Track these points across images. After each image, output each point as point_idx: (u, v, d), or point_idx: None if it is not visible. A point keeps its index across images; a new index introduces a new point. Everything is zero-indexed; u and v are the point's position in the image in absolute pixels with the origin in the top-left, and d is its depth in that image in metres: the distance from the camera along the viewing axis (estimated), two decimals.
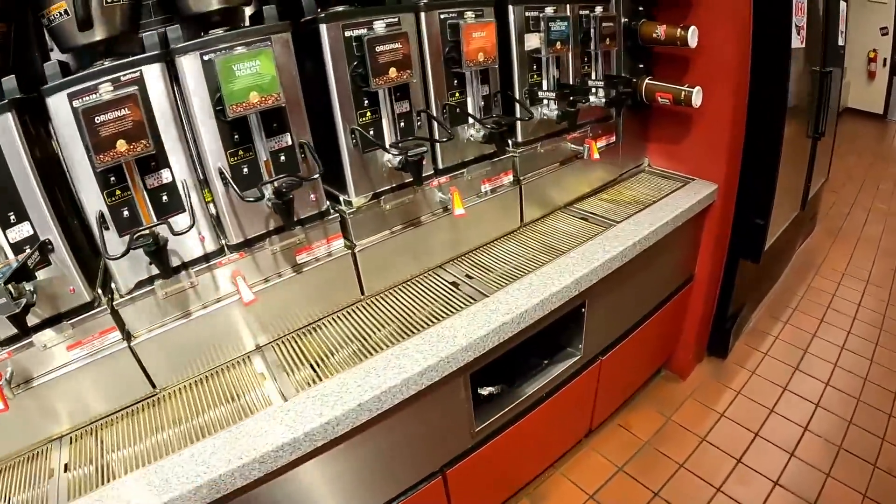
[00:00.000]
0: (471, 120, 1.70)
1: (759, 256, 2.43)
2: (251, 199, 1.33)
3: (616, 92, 1.96)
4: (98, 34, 1.26)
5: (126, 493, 1.15)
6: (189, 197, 1.33)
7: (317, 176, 1.43)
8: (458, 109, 1.65)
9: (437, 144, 1.66)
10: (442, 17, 1.57)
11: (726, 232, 2.36)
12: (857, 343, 2.86)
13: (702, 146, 2.23)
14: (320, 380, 1.39)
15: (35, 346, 1.26)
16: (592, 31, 1.90)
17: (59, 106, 1.16)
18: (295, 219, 1.42)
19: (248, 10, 1.66)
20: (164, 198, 1.31)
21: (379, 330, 1.55)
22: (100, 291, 1.35)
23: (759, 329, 3.03)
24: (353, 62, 1.44)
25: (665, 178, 2.32)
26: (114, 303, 1.33)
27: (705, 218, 2.27)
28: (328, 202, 1.56)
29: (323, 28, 1.40)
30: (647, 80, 2.12)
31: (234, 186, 1.32)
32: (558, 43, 1.76)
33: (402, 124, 1.57)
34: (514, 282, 1.67)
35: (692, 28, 1.94)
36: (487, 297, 1.62)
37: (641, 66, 2.18)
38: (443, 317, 1.56)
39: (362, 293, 1.67)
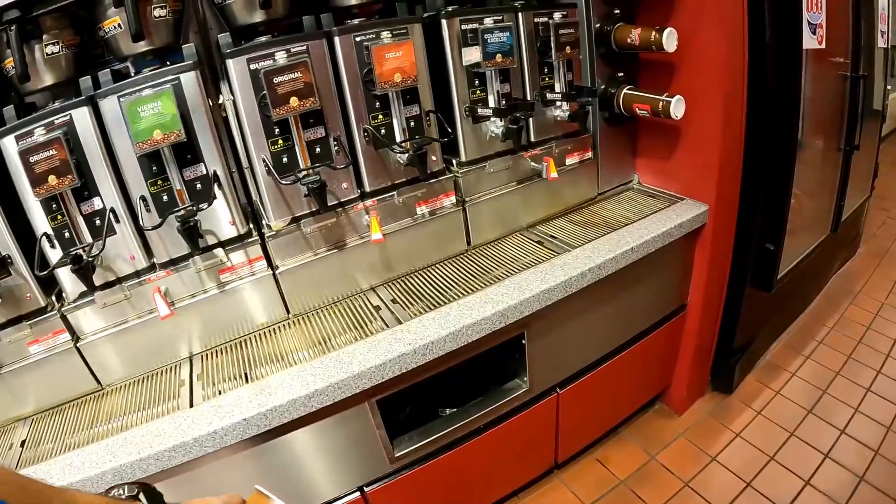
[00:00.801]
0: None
1: (770, 286, 2.38)
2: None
3: (578, 105, 2.03)
4: (260, 15, 1.71)
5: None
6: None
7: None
8: (382, 131, 1.84)
9: (364, 167, 1.87)
10: (357, 39, 1.77)
11: (724, 257, 2.37)
12: (888, 385, 2.73)
13: (691, 162, 2.26)
14: (219, 393, 1.68)
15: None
16: (552, 39, 1.99)
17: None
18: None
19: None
20: (318, 149, 1.78)
21: (295, 353, 1.81)
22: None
23: (775, 363, 2.97)
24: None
25: (652, 196, 2.37)
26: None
27: (696, 242, 2.30)
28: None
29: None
30: (625, 90, 2.17)
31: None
32: (499, 55, 1.89)
33: (317, 150, 1.79)
34: (433, 310, 1.85)
35: (668, 30, 1.98)
36: (401, 324, 1.82)
37: (621, 74, 2.24)
38: (353, 341, 1.79)
39: (287, 312, 1.94)
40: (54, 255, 1.68)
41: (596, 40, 2.17)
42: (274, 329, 1.92)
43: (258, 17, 1.74)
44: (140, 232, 1.73)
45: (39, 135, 1.56)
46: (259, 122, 1.70)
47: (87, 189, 1.67)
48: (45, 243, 1.65)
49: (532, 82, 2.05)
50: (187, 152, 1.69)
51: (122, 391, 1.79)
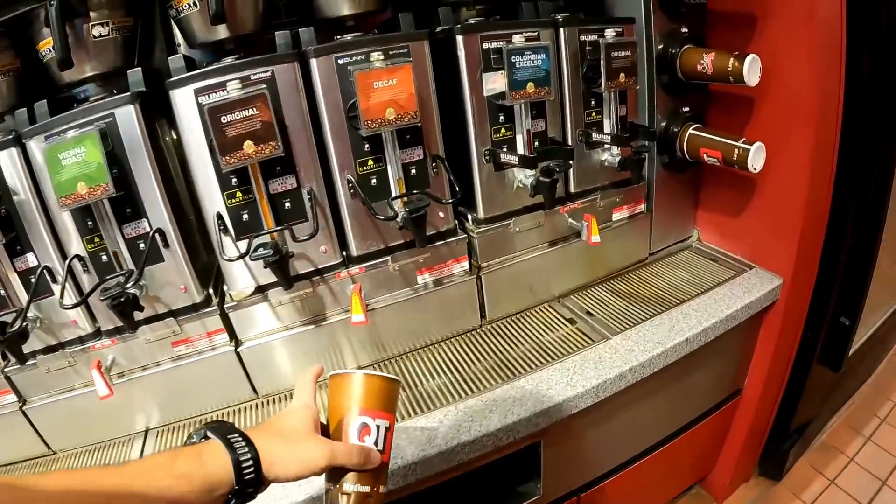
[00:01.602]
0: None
1: (840, 364, 1.73)
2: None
3: (633, 149, 1.38)
4: (224, 31, 1.19)
5: None
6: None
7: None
8: (372, 181, 1.26)
9: (349, 226, 1.30)
10: (339, 62, 1.19)
11: (792, 335, 1.66)
12: None
13: (765, 222, 1.56)
14: None
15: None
16: (602, 63, 1.34)
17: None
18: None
19: None
20: (287, 205, 1.22)
21: None
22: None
23: (832, 444, 2.23)
24: None
25: (714, 261, 1.67)
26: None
27: (763, 320, 1.60)
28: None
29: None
30: (691, 130, 1.50)
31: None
32: (530, 85, 1.27)
33: (287, 205, 1.24)
34: (423, 413, 1.26)
35: (750, 58, 1.31)
36: None
37: (686, 109, 1.53)
38: None
39: (255, 393, 1.41)
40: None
41: (657, 66, 1.50)
42: (240, 409, 1.40)
43: (221, 32, 1.20)
44: (82, 293, 1.26)
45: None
46: (211, 170, 1.17)
47: (18, 244, 1.21)
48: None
49: (574, 118, 1.40)
50: (126, 206, 1.19)
51: (75, 458, 1.38)
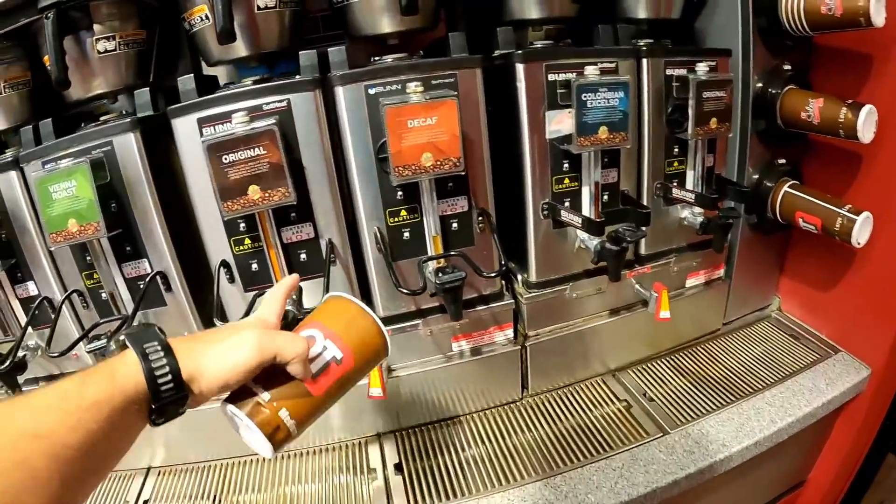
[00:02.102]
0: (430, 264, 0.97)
1: None
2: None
3: (719, 213, 1.03)
4: (243, 49, 0.94)
5: None
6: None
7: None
8: (404, 234, 0.97)
9: (375, 284, 1.01)
10: (370, 91, 0.90)
11: (872, 428, 1.26)
12: None
13: (859, 303, 1.19)
14: None
15: None
16: (690, 103, 1.00)
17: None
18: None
19: None
20: (303, 256, 0.97)
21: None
22: None
23: None
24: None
25: (794, 338, 1.28)
26: None
27: (841, 411, 1.22)
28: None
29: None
30: (786, 188, 1.13)
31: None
32: (603, 129, 0.94)
33: (302, 256, 0.97)
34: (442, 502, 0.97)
35: (866, 110, 0.97)
36: None
37: (782, 161, 1.16)
38: None
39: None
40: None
41: (753, 108, 1.14)
42: (245, 461, 1.14)
43: (240, 50, 0.93)
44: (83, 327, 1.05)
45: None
46: (216, 213, 0.91)
47: (19, 271, 1.01)
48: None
49: (653, 167, 1.06)
50: (125, 244, 0.96)
51: None
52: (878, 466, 1.40)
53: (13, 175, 0.95)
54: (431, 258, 0.93)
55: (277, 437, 0.55)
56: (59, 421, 0.44)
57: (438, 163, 0.87)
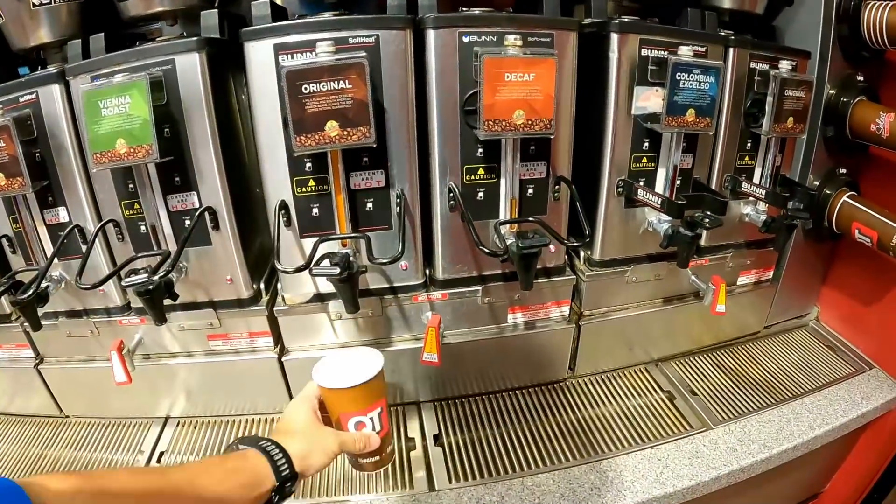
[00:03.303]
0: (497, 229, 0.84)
1: None
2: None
3: (784, 212, 0.94)
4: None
5: None
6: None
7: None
8: (479, 195, 0.84)
9: (439, 244, 0.89)
10: (465, 39, 0.77)
11: (893, 448, 1.17)
12: None
13: None
14: None
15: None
16: (769, 99, 0.90)
17: (260, 58, 0.75)
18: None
19: None
20: (369, 206, 0.83)
21: None
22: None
23: None
24: None
25: (831, 349, 1.20)
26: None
27: (868, 426, 1.13)
28: None
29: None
30: (845, 198, 1.05)
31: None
32: (691, 112, 0.83)
33: (368, 206, 0.84)
34: (485, 479, 0.87)
35: None
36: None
37: (843, 171, 1.08)
38: None
39: None
40: (15, 261, 0.92)
41: (824, 115, 1.05)
42: (272, 419, 1.03)
43: None
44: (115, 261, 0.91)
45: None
46: (281, 149, 0.79)
47: (51, 194, 0.86)
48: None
49: (724, 159, 0.96)
50: (174, 173, 0.82)
51: (87, 428, 1.07)
52: (892, 486, 1.33)
53: (55, 89, 0.80)
54: (509, 221, 0.81)
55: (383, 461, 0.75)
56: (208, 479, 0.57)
57: (530, 122, 0.75)
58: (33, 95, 0.81)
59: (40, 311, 0.88)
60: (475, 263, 0.89)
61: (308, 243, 0.81)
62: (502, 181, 0.82)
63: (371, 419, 0.72)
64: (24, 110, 0.82)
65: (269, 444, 0.63)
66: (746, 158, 0.98)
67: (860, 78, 1.05)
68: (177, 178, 0.82)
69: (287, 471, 0.62)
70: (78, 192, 0.86)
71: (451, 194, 0.82)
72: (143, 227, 0.86)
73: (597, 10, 0.88)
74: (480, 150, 0.81)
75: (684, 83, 0.83)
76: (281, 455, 0.62)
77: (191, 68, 0.77)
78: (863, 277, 1.16)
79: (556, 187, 0.85)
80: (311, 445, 0.66)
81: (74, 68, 0.80)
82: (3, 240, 0.92)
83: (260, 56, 0.75)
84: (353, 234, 0.79)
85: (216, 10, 0.81)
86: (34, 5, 0.86)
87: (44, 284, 0.86)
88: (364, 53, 0.72)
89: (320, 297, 0.91)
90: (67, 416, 1.09)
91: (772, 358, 1.14)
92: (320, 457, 0.66)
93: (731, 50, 0.92)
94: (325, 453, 0.67)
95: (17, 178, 0.80)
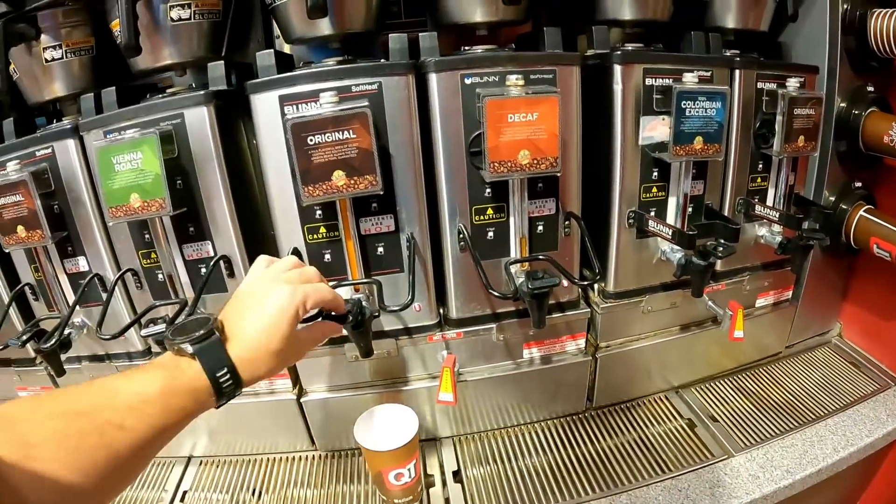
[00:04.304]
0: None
1: None
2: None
3: (800, 234, 0.92)
4: (328, 27, 0.80)
5: None
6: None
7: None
8: (488, 234, 0.84)
9: (451, 283, 0.88)
10: (467, 81, 0.77)
11: None
12: None
13: None
14: None
15: None
16: (779, 119, 0.89)
17: (266, 109, 0.76)
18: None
19: None
20: (381, 250, 0.83)
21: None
22: None
23: None
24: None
25: (854, 366, 1.16)
26: None
27: (893, 446, 1.09)
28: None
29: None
30: (862, 212, 1.02)
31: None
32: (699, 139, 0.82)
33: (379, 250, 0.84)
34: None
35: None
36: None
37: (859, 185, 1.06)
38: None
39: (313, 444, 1.03)
40: (38, 308, 0.94)
41: (836, 130, 1.02)
42: (295, 457, 1.02)
43: (324, 27, 0.80)
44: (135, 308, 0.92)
45: (12, 170, 0.80)
46: (291, 198, 0.79)
47: (70, 244, 0.88)
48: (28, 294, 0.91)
49: (736, 182, 0.94)
50: (189, 223, 0.83)
51: None
52: None
53: (70, 143, 0.82)
54: (519, 261, 0.81)
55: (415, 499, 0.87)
56: (138, 419, 0.48)
57: (535, 161, 0.74)
58: (49, 150, 0.83)
59: (63, 357, 0.90)
60: (488, 302, 0.88)
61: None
62: (511, 220, 0.81)
63: (408, 470, 0.83)
64: (42, 164, 0.84)
65: (218, 356, 0.54)
66: (759, 180, 0.96)
67: (870, 88, 1.03)
68: (191, 229, 0.83)
69: (230, 389, 0.54)
70: (96, 243, 0.87)
71: (461, 235, 0.81)
72: (160, 276, 0.87)
73: (599, 42, 0.87)
74: (488, 190, 0.80)
75: (690, 111, 0.81)
76: (229, 378, 0.53)
77: (199, 121, 0.78)
78: (885, 291, 1.12)
79: (567, 223, 0.84)
80: (272, 355, 0.56)
81: (87, 123, 0.81)
82: (27, 288, 0.94)
83: (266, 107, 0.75)
84: (364, 280, 0.79)
85: (222, 61, 0.82)
86: (46, 61, 0.88)
87: (66, 331, 0.88)
88: (366, 102, 0.72)
89: (335, 340, 0.91)
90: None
91: (794, 379, 1.11)
92: (277, 364, 0.58)
93: (737, 72, 0.91)
94: (285, 361, 0.59)
95: (36, 230, 0.81)
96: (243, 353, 0.55)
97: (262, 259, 0.66)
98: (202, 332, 0.54)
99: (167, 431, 0.51)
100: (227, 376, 0.54)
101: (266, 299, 0.58)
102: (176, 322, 0.62)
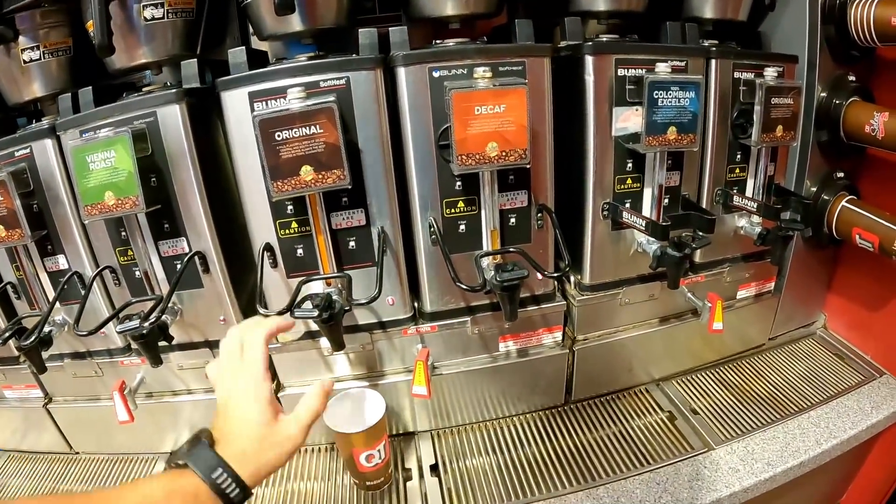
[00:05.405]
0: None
1: None
2: (465, 287, 0.78)
3: (779, 224, 0.92)
4: (298, 23, 0.81)
5: None
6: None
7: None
8: (460, 227, 0.85)
9: (425, 277, 0.89)
10: (435, 74, 0.78)
11: None
12: None
13: None
14: None
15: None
16: (756, 108, 0.88)
17: (235, 106, 0.77)
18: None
19: None
20: (352, 244, 0.84)
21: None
22: None
23: None
24: None
25: (838, 357, 1.16)
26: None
27: (881, 434, 1.08)
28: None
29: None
30: (844, 203, 1.02)
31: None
32: (672, 129, 0.82)
33: (351, 244, 0.85)
34: None
35: None
36: None
37: (840, 175, 1.05)
38: None
39: None
40: (20, 306, 0.96)
41: (816, 119, 1.02)
42: None
43: (295, 24, 0.81)
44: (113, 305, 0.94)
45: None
46: (263, 194, 0.80)
47: (50, 243, 0.89)
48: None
49: (714, 173, 0.94)
50: (163, 221, 0.84)
51: (96, 464, 1.10)
52: None
53: (48, 143, 0.83)
54: (489, 253, 0.81)
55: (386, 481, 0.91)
56: None
57: (504, 153, 0.75)
58: (27, 150, 0.84)
59: (46, 354, 0.91)
60: (462, 295, 0.89)
61: (295, 283, 0.83)
62: (483, 212, 0.82)
63: (378, 451, 0.86)
64: (20, 164, 0.85)
65: (223, 476, 0.55)
66: (737, 170, 0.96)
67: (851, 78, 1.03)
68: (166, 226, 0.84)
69: (235, 492, 0.55)
70: (75, 241, 0.88)
71: (432, 229, 0.82)
72: (136, 273, 0.88)
73: (571, 33, 0.87)
74: (458, 183, 0.81)
75: (662, 101, 0.81)
76: (227, 477, 0.55)
77: (172, 119, 0.79)
78: (870, 281, 1.12)
79: (539, 215, 0.85)
80: (263, 442, 0.58)
81: (64, 123, 0.83)
82: (8, 287, 0.96)
83: (236, 104, 0.76)
84: (335, 275, 0.80)
85: (195, 59, 0.83)
86: (25, 62, 0.90)
87: (47, 329, 0.89)
88: (333, 98, 0.73)
89: (311, 335, 0.92)
90: (77, 453, 1.11)
91: (777, 371, 1.11)
92: (276, 455, 0.59)
93: (713, 61, 0.91)
94: (283, 450, 0.60)
95: (16, 229, 0.83)
96: (235, 450, 0.57)
97: (221, 350, 0.67)
98: (191, 440, 0.58)
99: None
100: (225, 476, 0.55)
101: (237, 385, 0.61)
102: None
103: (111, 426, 0.99)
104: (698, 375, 1.10)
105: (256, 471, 0.57)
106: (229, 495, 0.55)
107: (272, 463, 0.59)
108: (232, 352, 0.65)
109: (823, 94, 1.02)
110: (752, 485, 0.90)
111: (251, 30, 0.98)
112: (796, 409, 1.02)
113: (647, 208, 0.90)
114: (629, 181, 0.88)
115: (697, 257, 0.99)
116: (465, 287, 0.75)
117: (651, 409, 1.03)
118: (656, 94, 0.81)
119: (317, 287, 0.82)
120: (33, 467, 1.11)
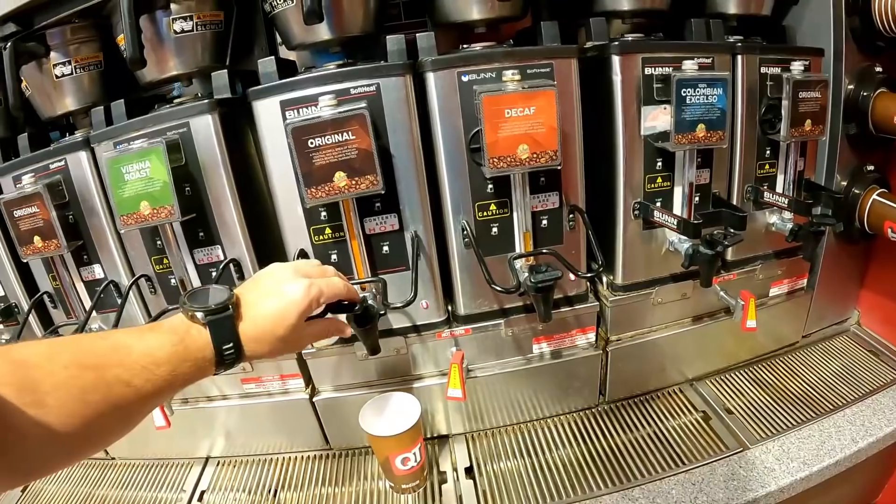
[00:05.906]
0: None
1: None
2: (500, 289, 0.78)
3: (810, 220, 0.91)
4: (326, 31, 0.83)
5: None
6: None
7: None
8: (492, 230, 0.85)
9: (458, 280, 0.90)
10: (464, 79, 0.78)
11: None
12: None
13: None
14: None
15: None
16: (784, 103, 0.88)
17: (268, 115, 0.79)
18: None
19: None
20: (385, 248, 0.85)
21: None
22: None
23: None
24: None
25: (873, 354, 1.14)
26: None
27: None
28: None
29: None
30: (875, 196, 1.01)
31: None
32: (702, 126, 0.82)
33: (385, 248, 0.86)
34: None
35: None
36: None
37: (871, 168, 1.04)
38: None
39: (327, 443, 1.05)
40: (57, 315, 0.98)
41: (844, 112, 1.01)
42: (309, 456, 1.04)
43: (323, 32, 0.82)
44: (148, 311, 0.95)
45: (27, 183, 0.84)
46: (296, 200, 0.81)
47: (85, 253, 0.91)
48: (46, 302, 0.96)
49: (744, 170, 0.93)
50: (198, 229, 0.85)
51: (132, 470, 1.10)
52: None
53: (83, 155, 0.86)
54: (522, 255, 0.82)
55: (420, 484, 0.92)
56: (145, 379, 0.50)
57: (535, 155, 0.75)
58: (62, 162, 0.87)
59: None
60: (496, 297, 0.89)
61: None
62: (515, 215, 0.82)
63: (414, 454, 0.87)
64: (55, 176, 0.87)
65: (227, 331, 0.56)
66: (767, 166, 0.95)
67: (878, 69, 1.01)
68: (201, 234, 0.86)
69: (231, 356, 0.56)
70: (111, 250, 0.90)
71: (465, 232, 0.82)
72: (172, 281, 0.90)
73: (597, 33, 0.87)
74: (490, 186, 0.81)
75: (690, 99, 0.81)
76: (234, 352, 0.56)
77: (205, 129, 0.80)
78: None
79: (571, 216, 0.85)
80: (273, 334, 0.59)
81: (98, 135, 0.85)
82: (45, 296, 0.98)
83: (268, 113, 0.78)
84: (371, 279, 0.81)
85: (225, 70, 0.85)
86: (57, 77, 0.92)
87: None
88: (364, 104, 0.74)
89: (345, 340, 0.92)
90: (113, 458, 1.13)
91: (812, 368, 1.09)
92: (275, 347, 0.60)
93: (739, 57, 0.90)
94: (283, 345, 0.61)
95: (52, 240, 0.85)
96: (251, 333, 0.58)
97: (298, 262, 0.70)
98: (218, 304, 0.57)
99: (168, 392, 0.54)
100: (232, 350, 0.57)
101: (283, 286, 0.61)
102: (193, 288, 0.64)
103: (147, 432, 1.01)
104: (732, 374, 1.09)
105: (256, 353, 0.59)
106: (224, 361, 0.57)
107: (272, 353, 0.61)
108: (308, 264, 0.69)
109: (851, 87, 1.01)
110: (787, 484, 0.89)
111: (279, 40, 1.00)
112: (831, 407, 1.00)
113: (677, 207, 0.89)
114: (659, 180, 0.88)
115: (729, 255, 0.98)
116: (499, 289, 0.75)
117: (685, 409, 1.02)
118: (684, 92, 0.81)
119: None
120: (69, 472, 1.12)
